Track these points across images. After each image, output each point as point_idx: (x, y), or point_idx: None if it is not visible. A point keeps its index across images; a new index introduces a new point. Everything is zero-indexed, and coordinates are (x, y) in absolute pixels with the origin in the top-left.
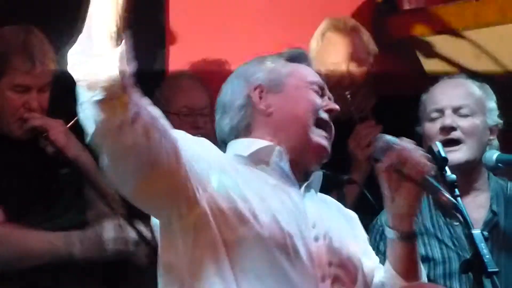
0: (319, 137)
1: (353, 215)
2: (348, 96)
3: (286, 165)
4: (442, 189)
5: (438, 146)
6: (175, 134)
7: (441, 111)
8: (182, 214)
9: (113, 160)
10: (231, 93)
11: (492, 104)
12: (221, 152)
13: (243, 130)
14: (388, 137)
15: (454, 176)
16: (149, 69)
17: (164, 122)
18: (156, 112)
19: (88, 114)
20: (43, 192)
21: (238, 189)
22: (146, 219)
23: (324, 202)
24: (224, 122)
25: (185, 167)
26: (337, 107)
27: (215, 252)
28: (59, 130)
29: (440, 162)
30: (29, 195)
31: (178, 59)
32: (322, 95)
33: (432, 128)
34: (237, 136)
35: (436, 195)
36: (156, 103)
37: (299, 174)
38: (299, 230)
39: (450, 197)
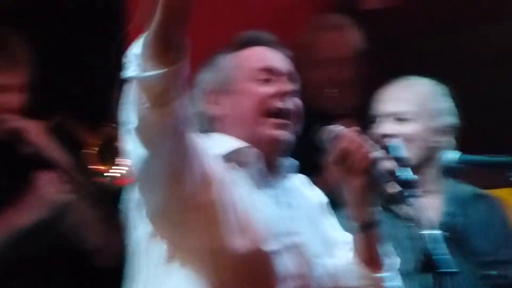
0: (271, 127)
1: (323, 200)
2: (336, 93)
3: (263, 167)
4: (388, 180)
5: (396, 146)
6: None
7: (383, 117)
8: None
9: (149, 154)
10: (193, 102)
11: (441, 104)
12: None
13: (207, 128)
14: (335, 128)
15: (415, 177)
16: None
17: (194, 134)
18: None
19: (135, 113)
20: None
21: (228, 201)
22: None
23: (299, 195)
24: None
25: (199, 176)
26: (287, 87)
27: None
28: (37, 131)
29: (398, 161)
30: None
31: None
32: (273, 78)
33: (377, 132)
34: None
35: (381, 187)
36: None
37: (272, 169)
38: (271, 241)
39: (396, 188)
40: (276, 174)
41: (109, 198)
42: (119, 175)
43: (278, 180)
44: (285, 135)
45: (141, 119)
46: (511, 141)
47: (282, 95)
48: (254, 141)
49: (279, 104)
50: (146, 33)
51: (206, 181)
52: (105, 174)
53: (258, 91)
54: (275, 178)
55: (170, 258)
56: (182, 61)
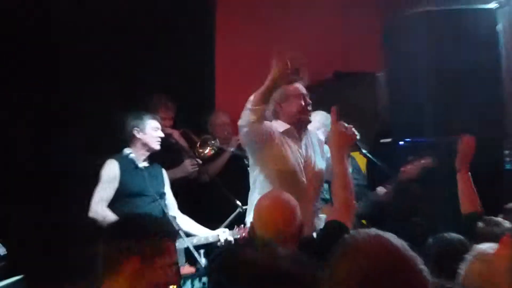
0: (305, 116)
1: (321, 138)
2: None
3: (297, 135)
4: (362, 149)
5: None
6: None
7: None
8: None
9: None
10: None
11: (327, 121)
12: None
13: (275, 118)
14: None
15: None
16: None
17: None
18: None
19: (245, 127)
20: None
21: (280, 149)
22: None
23: (311, 139)
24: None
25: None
26: (308, 101)
27: (270, 168)
28: (177, 134)
29: None
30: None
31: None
32: (304, 98)
33: None
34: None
35: (359, 151)
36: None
37: (301, 133)
38: (302, 164)
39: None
40: (302, 134)
41: (206, 161)
42: (207, 152)
43: (303, 137)
44: (309, 119)
45: (248, 128)
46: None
47: (308, 104)
48: (297, 122)
49: (307, 107)
50: (255, 95)
51: (273, 143)
52: (202, 153)
53: (300, 104)
54: (301, 136)
55: (260, 174)
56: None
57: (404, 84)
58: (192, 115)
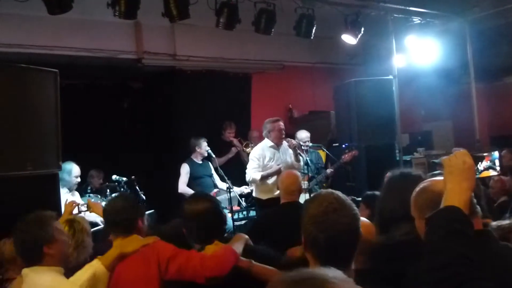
0: (280, 141)
1: (286, 146)
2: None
3: (276, 147)
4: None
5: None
6: None
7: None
8: None
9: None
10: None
11: (305, 136)
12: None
13: (267, 137)
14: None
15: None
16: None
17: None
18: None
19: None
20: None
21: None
22: None
23: (285, 149)
24: None
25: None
26: (284, 132)
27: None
28: (236, 140)
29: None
30: None
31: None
32: (281, 131)
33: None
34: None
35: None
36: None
37: (280, 145)
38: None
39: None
40: (279, 147)
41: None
42: (249, 149)
43: (280, 147)
44: (282, 141)
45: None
46: None
47: (282, 134)
48: (277, 141)
49: (282, 135)
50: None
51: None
52: (246, 149)
53: (279, 134)
54: (278, 148)
55: None
56: None
57: (342, 118)
58: (243, 132)
